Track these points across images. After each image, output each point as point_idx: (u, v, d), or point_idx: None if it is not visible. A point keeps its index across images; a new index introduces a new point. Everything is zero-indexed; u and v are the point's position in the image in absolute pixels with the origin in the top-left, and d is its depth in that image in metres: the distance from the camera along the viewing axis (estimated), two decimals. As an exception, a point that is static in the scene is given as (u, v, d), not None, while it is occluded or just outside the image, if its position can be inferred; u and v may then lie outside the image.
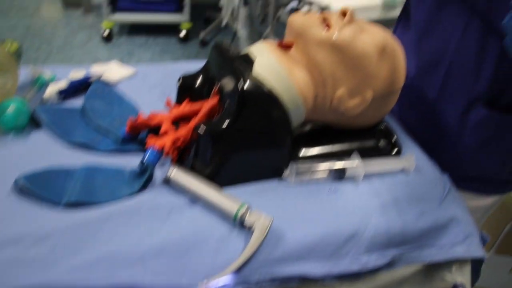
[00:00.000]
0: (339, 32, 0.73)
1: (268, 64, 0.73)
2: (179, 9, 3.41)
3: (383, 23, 2.01)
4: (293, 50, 0.77)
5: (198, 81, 0.82)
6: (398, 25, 1.06)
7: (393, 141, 0.85)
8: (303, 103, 0.75)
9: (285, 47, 0.77)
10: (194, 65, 0.89)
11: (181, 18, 3.40)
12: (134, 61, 3.10)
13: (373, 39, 0.74)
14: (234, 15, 2.32)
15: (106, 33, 3.31)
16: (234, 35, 2.45)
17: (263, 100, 0.70)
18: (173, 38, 3.49)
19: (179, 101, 0.82)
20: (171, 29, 3.50)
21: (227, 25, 2.70)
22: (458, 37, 0.82)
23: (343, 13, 0.76)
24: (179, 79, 0.82)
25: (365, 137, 0.84)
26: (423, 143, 0.90)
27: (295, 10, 1.86)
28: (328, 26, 0.74)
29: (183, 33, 3.43)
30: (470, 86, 0.83)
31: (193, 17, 3.47)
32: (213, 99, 0.75)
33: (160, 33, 3.52)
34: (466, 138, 0.86)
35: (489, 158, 0.89)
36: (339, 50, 0.72)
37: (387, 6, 1.89)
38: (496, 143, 0.86)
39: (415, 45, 0.93)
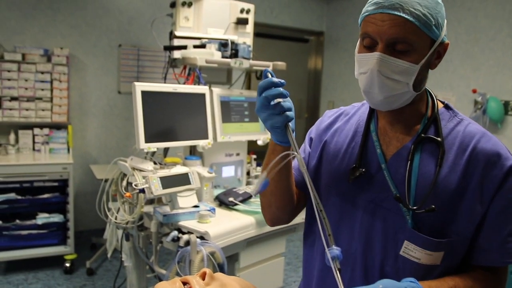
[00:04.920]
0: None
1: None
2: (63, 240, 3.38)
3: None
4: None
5: None
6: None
7: None
8: None
9: None
10: None
11: (65, 250, 3.35)
12: (10, 303, 2.86)
13: None
14: (118, 247, 2.39)
15: (-22, 277, 3.07)
16: (121, 264, 2.47)
17: None
18: (57, 271, 3.35)
19: None
20: (54, 262, 3.38)
21: (114, 252, 2.72)
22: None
23: (203, 274, 0.88)
24: None
25: None
26: None
27: (176, 239, 1.99)
28: None
29: (67, 264, 3.33)
30: None
31: (79, 246, 3.44)
32: None
33: (42, 267, 3.37)
34: None
35: None
36: None
37: (259, 224, 2.13)
38: None
39: None
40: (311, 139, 1.19)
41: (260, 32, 4.69)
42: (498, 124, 3.66)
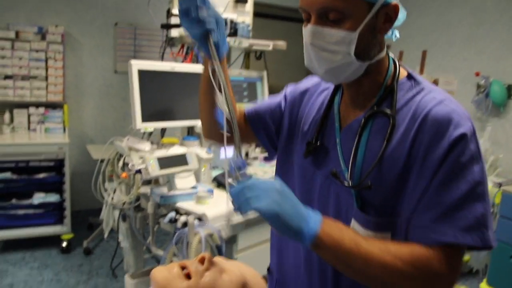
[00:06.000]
0: (200, 280, 0.79)
1: None
2: (59, 220, 3.36)
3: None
4: None
5: None
6: None
7: None
8: None
9: None
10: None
11: (62, 229, 3.33)
12: (7, 281, 2.85)
13: (232, 279, 0.81)
14: (115, 227, 2.37)
15: (-26, 256, 3.06)
16: (118, 244, 2.46)
17: None
18: (54, 250, 3.34)
19: None
20: (51, 241, 3.38)
21: (111, 232, 2.71)
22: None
23: (202, 259, 0.85)
24: None
25: None
26: None
27: (174, 220, 1.97)
28: (188, 275, 0.82)
29: (64, 244, 3.32)
30: None
31: (75, 225, 3.43)
32: None
33: (39, 246, 3.36)
34: None
35: None
36: None
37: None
38: None
39: None
40: (285, 97, 1.16)
41: (260, 12, 4.60)
42: (500, 107, 3.62)
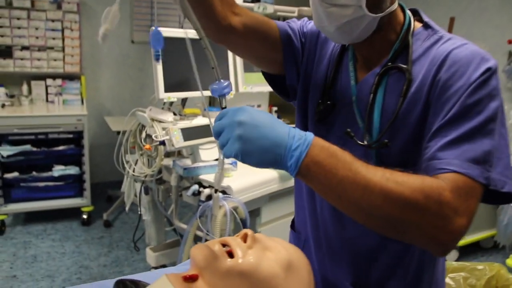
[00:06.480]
0: (244, 259, 0.71)
1: None
2: (79, 193, 3.36)
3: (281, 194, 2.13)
4: (199, 283, 0.75)
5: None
6: None
7: None
8: None
9: (191, 279, 0.75)
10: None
11: (82, 202, 3.33)
12: (31, 253, 2.87)
13: (277, 257, 0.75)
14: (136, 200, 2.34)
15: (-3, 226, 3.09)
16: (140, 217, 2.43)
17: None
18: (75, 222, 3.35)
19: None
20: (72, 213, 3.39)
21: (131, 205, 2.69)
22: None
23: (244, 236, 0.79)
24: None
25: None
26: None
27: (197, 193, 1.92)
28: (230, 253, 0.74)
29: (85, 216, 3.32)
30: None
31: (95, 198, 3.42)
32: None
33: (60, 218, 3.37)
34: None
35: None
36: (247, 276, 0.70)
37: (282, 178, 2.05)
38: None
39: None
40: (303, 33, 1.02)
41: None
42: (532, 77, 3.47)
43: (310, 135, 0.72)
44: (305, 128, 1.02)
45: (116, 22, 0.83)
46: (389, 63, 0.85)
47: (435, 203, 0.67)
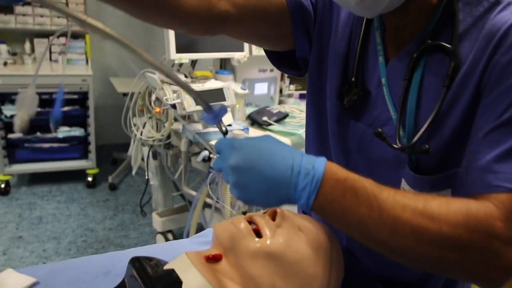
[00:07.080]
0: (273, 239, 0.66)
1: (199, 286, 0.63)
2: (84, 155, 3.32)
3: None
4: (223, 263, 0.69)
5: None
6: None
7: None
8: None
9: (214, 259, 0.70)
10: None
11: (87, 164, 3.29)
12: (36, 214, 2.85)
13: (308, 238, 0.68)
14: (142, 164, 2.29)
15: (2, 186, 3.05)
16: (147, 182, 2.39)
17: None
18: (80, 185, 3.32)
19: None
20: (76, 175, 3.35)
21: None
22: None
23: (273, 213, 0.71)
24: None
25: None
26: None
27: (207, 159, 1.87)
28: (258, 232, 0.68)
29: (90, 179, 3.29)
30: None
31: (100, 160, 3.38)
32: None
33: (65, 180, 3.34)
34: None
35: None
36: (275, 258, 0.65)
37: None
38: None
39: None
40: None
41: None
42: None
43: (319, 167, 0.59)
44: (317, 108, 0.89)
45: (36, 105, 0.70)
46: (429, 41, 0.68)
47: (482, 238, 0.56)
